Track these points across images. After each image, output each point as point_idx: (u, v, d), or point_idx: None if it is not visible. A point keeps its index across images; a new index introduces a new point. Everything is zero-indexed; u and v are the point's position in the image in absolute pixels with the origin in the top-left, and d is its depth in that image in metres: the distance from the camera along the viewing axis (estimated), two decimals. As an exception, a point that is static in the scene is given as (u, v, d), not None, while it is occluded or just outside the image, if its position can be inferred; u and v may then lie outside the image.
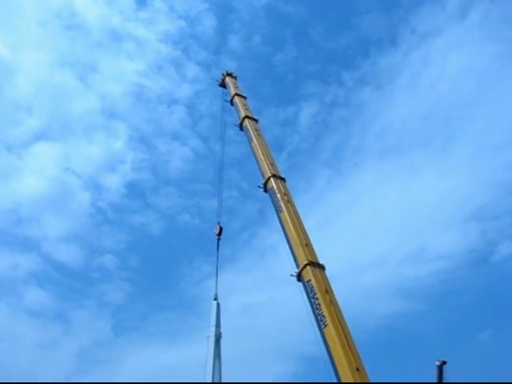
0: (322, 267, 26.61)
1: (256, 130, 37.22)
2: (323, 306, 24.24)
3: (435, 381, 36.37)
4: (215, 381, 40.67)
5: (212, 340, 41.57)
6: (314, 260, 26.64)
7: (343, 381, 22.62)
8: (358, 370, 22.63)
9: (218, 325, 42.49)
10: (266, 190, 32.70)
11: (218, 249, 41.77)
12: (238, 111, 40.21)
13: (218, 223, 41.91)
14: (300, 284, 26.76)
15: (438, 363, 36.31)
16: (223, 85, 45.37)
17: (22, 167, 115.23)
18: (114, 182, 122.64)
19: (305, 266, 26.23)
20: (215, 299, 43.04)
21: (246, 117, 38.45)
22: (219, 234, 41.43)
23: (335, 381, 23.26)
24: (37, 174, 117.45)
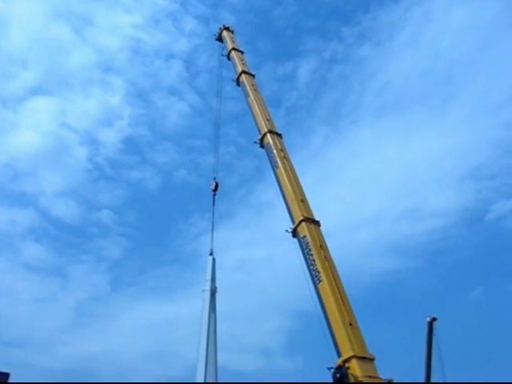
0: (317, 223, 26.74)
1: (253, 86, 36.78)
2: (318, 262, 24.46)
3: (426, 336, 37.09)
4: (210, 335, 41.30)
5: (207, 294, 42.06)
6: (309, 216, 26.75)
7: (336, 335, 23.02)
8: (350, 324, 23.02)
9: (213, 279, 42.95)
10: (262, 146, 32.59)
11: (213, 204, 41.98)
12: (234, 66, 39.66)
13: (214, 179, 41.92)
14: (295, 240, 26.91)
15: (428, 320, 37.00)
16: (220, 39, 44.56)
17: (18, 122, 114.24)
18: (110, 138, 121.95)
19: (300, 222, 26.36)
20: (211, 254, 43.42)
21: (243, 72, 37.92)
22: (215, 189, 41.49)
23: (328, 335, 23.66)
24: (33, 128, 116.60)
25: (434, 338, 37.26)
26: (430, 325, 37.16)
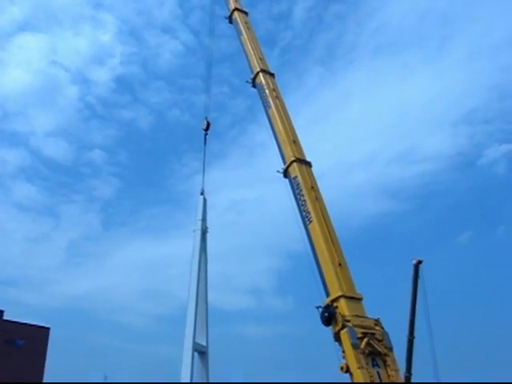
0: (308, 164, 26.70)
1: (246, 24, 35.91)
2: (308, 203, 24.56)
3: (412, 278, 37.63)
4: (201, 274, 41.82)
5: (198, 234, 42.41)
6: (300, 157, 26.69)
7: (325, 275, 23.33)
8: (340, 265, 23.32)
9: (204, 219, 43.23)
10: (254, 86, 32.12)
11: (204, 144, 41.92)
12: (227, 3, 38.60)
13: (206, 118, 41.67)
14: (287, 181, 26.94)
15: (414, 262, 37.43)
16: (213, -26, 43.26)
17: (7, 59, 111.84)
18: (102, 76, 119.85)
19: (291, 162, 26.32)
20: (202, 194, 43.57)
21: (236, 9, 36.94)
22: (206, 129, 41.31)
23: (318, 275, 23.96)
24: (22, 66, 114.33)
25: (419, 280, 37.74)
26: (416, 267, 37.57)
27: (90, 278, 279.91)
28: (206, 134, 41.41)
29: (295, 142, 27.50)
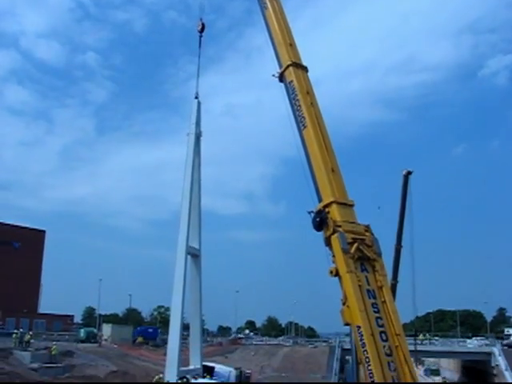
0: (305, 69, 26.11)
1: None
2: (303, 108, 24.26)
3: (401, 189, 37.88)
4: (195, 178, 41.88)
5: (192, 138, 42.13)
6: (297, 61, 26.06)
7: (318, 180, 23.40)
8: (333, 170, 23.38)
9: (198, 123, 42.79)
10: (251, -15, 30.77)
11: (200, 47, 40.90)
12: None
13: (200, 19, 40.28)
14: (283, 86, 26.40)
15: (404, 173, 37.55)
16: None
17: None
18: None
19: (287, 66, 25.74)
20: (196, 97, 42.87)
21: None
22: (201, 31, 40.07)
23: (311, 181, 24.03)
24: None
25: (408, 191, 38.02)
26: (406, 178, 37.79)
27: (85, 183, 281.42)
28: (200, 36, 40.21)
29: (291, 45, 26.75)
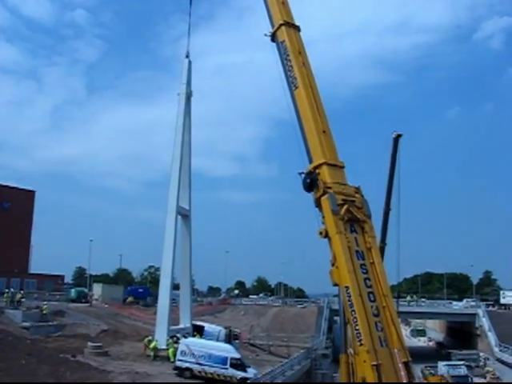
0: (297, 28, 25.74)
1: None
2: (295, 68, 23.99)
3: (390, 152, 37.85)
4: (185, 139, 41.66)
5: (183, 98, 41.80)
6: (289, 20, 25.64)
7: (309, 142, 23.31)
8: (324, 132, 23.27)
9: (188, 82, 42.40)
10: None
11: (190, 4, 40.34)
12: None
13: (192, -24, 39.55)
14: (275, 46, 26.01)
15: (393, 136, 37.47)
16: None
17: None
18: None
19: (280, 25, 25.33)
20: (187, 57, 42.36)
21: None
22: None
23: (302, 143, 23.93)
24: None
25: (398, 154, 38.00)
26: (396, 140, 37.72)
27: (76, 143, 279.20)
28: (191, -6, 39.56)
29: (284, 3, 26.29)
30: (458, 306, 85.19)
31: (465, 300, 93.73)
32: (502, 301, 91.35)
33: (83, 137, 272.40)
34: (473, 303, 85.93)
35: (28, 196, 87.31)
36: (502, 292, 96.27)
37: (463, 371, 48.42)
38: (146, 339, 39.59)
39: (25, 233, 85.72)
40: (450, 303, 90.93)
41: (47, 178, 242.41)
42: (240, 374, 33.23)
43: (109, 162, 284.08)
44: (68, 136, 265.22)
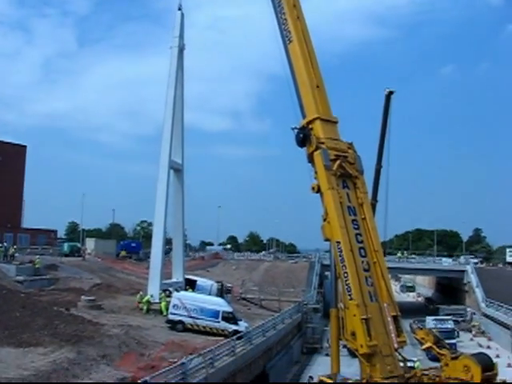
0: (292, -20, 25.07)
1: None
2: (289, 21, 23.61)
3: (382, 109, 37.60)
4: (178, 93, 41.19)
5: (175, 51, 41.16)
6: (284, -28, 24.96)
7: (302, 96, 23.14)
8: (317, 87, 23.11)
9: (181, 36, 41.69)
10: None
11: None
12: None
13: None
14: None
15: (385, 92, 37.17)
16: None
17: None
18: None
19: (274, -23, 24.67)
20: (179, 9, 41.55)
21: None
22: None
23: (296, 98, 23.76)
24: None
25: (389, 111, 37.77)
26: (388, 97, 37.40)
27: (67, 97, 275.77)
28: None
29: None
30: (447, 263, 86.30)
31: (469, 257, 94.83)
32: (509, 259, 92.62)
33: (74, 90, 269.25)
34: (475, 260, 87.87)
35: (19, 151, 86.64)
36: (508, 250, 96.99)
37: (450, 325, 49.52)
38: (139, 295, 39.95)
39: (17, 188, 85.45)
40: (440, 260, 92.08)
41: (38, 133, 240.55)
42: (232, 327, 33.74)
43: (101, 116, 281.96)
44: (59, 89, 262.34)
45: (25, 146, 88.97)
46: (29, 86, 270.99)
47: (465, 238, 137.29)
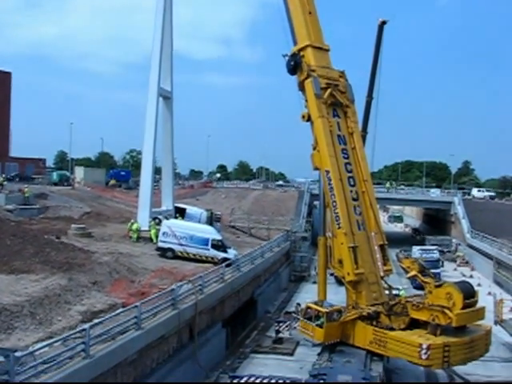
0: None
1: None
2: None
3: (375, 40, 36.90)
4: (166, 19, 40.04)
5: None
6: None
7: (294, 23, 22.66)
8: (310, 13, 22.62)
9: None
10: None
11: None
12: None
13: None
14: None
15: (378, 22, 36.38)
16: None
17: None
18: None
19: None
20: None
21: None
22: None
23: (288, 24, 23.23)
24: None
25: (382, 41, 37.13)
26: (380, 27, 36.66)
27: (53, 22, 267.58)
28: None
29: None
30: (435, 194, 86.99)
31: (476, 190, 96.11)
32: (477, 194, 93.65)
33: (60, 15, 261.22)
34: (483, 193, 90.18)
35: (4, 78, 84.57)
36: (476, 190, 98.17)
37: (435, 255, 50.50)
38: (130, 224, 40.04)
39: (3, 116, 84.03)
40: (428, 191, 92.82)
41: (23, 60, 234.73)
42: (221, 255, 34.16)
43: (87, 43, 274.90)
44: (44, 14, 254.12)
45: (9, 73, 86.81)
46: (12, 10, 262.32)
47: (454, 171, 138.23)
